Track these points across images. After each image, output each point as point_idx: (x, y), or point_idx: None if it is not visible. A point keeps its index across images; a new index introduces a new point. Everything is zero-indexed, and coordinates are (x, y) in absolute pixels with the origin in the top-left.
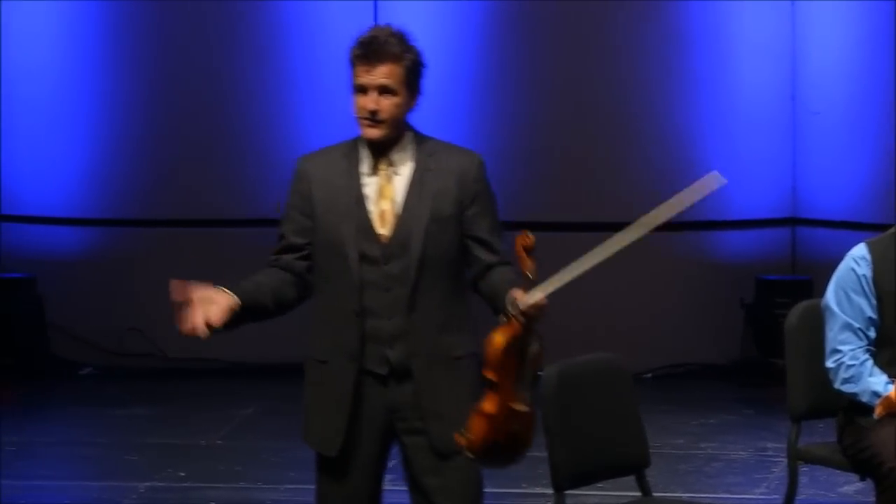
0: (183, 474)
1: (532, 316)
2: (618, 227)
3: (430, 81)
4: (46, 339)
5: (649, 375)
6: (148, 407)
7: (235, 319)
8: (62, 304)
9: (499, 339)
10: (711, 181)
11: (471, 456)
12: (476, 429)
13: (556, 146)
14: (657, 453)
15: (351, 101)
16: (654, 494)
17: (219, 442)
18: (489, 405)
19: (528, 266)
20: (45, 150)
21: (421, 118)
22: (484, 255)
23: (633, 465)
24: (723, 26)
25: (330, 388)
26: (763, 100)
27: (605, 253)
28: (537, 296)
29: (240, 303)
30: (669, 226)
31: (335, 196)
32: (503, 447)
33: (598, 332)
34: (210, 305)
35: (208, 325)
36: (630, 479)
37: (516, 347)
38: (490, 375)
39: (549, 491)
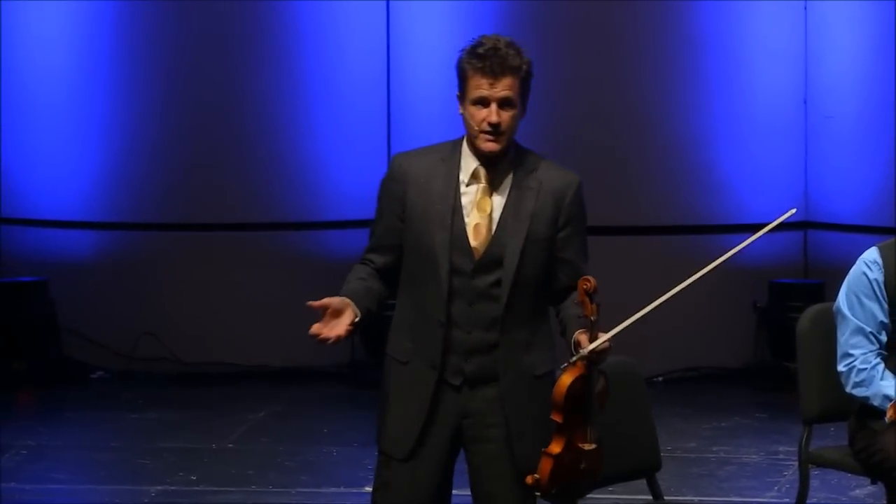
0: (194, 478)
1: (595, 360)
2: (630, 230)
3: (443, 84)
4: (59, 342)
5: (661, 379)
6: (160, 411)
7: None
8: (75, 307)
9: (564, 382)
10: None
11: (539, 494)
12: (544, 469)
13: (568, 149)
14: (669, 457)
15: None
16: (666, 498)
17: (230, 446)
18: (556, 446)
19: (590, 310)
20: (59, 154)
21: (435, 121)
22: (567, 278)
23: (644, 468)
24: (736, 30)
25: (408, 391)
26: (776, 104)
27: (667, 296)
28: (600, 341)
29: (360, 316)
30: (681, 229)
31: (431, 202)
32: (572, 484)
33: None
34: (339, 318)
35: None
36: (641, 483)
37: (582, 389)
38: (556, 418)
39: None
